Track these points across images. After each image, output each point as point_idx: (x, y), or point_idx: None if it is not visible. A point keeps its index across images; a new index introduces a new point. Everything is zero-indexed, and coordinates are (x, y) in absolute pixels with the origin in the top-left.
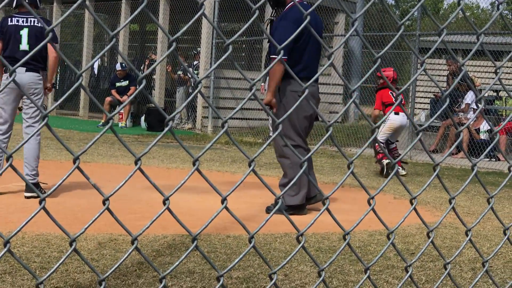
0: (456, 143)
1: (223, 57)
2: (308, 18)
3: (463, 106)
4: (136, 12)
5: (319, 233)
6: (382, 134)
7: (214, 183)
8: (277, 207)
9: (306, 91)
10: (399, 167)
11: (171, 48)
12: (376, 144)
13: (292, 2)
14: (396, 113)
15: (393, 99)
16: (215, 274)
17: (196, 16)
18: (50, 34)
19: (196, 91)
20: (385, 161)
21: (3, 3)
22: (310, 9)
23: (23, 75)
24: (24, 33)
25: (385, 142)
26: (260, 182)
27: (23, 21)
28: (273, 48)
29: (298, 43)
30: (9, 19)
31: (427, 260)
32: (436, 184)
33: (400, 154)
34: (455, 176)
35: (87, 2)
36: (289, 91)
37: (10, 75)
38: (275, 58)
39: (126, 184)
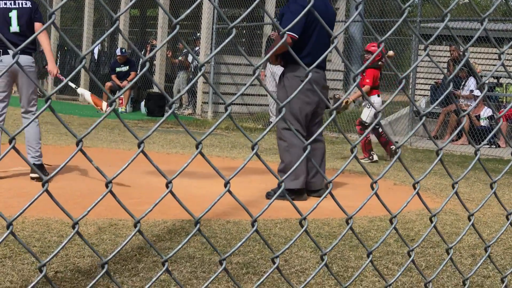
0: (458, 129)
1: (227, 40)
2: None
3: (464, 92)
4: (130, 4)
5: (319, 219)
6: (370, 118)
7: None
8: (279, 191)
9: (310, 75)
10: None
11: (175, 31)
12: (380, 130)
13: None
14: (378, 96)
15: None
16: (215, 259)
17: (199, 0)
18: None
19: (200, 74)
20: (375, 157)
21: None
22: None
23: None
24: (14, 15)
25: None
26: (260, 167)
27: (11, 3)
28: (284, 24)
29: (306, 29)
30: None
31: (427, 246)
32: (436, 170)
33: (388, 137)
34: (455, 163)
35: None
36: (292, 76)
37: (13, 57)
38: (288, 33)
39: (125, 169)
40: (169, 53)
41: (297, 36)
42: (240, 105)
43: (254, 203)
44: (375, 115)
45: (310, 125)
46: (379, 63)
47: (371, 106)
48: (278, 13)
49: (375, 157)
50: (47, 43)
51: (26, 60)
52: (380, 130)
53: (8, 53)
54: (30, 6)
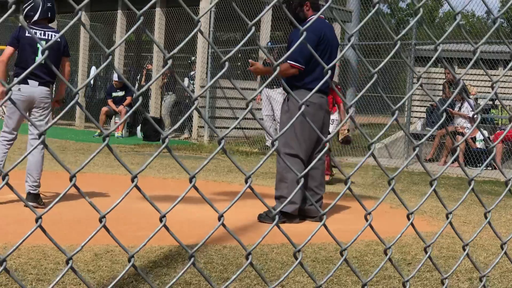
0: (453, 158)
1: (220, 74)
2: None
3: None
4: (133, 29)
5: (316, 243)
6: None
7: (210, 193)
8: (276, 221)
9: (303, 107)
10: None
11: (167, 66)
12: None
13: (312, 17)
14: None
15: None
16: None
17: (192, 33)
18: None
19: (192, 108)
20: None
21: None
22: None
23: (35, 89)
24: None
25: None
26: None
27: (40, 34)
28: (292, 54)
29: (313, 57)
30: (26, 30)
31: (424, 270)
32: (433, 194)
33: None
34: (451, 185)
35: (83, 18)
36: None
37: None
38: (291, 63)
39: (120, 194)
40: (149, 66)
41: (303, 67)
42: (236, 129)
43: (249, 228)
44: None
45: (313, 153)
46: None
47: (333, 123)
48: (288, 37)
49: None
50: (68, 76)
51: (43, 91)
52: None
53: (27, 83)
54: (59, 39)
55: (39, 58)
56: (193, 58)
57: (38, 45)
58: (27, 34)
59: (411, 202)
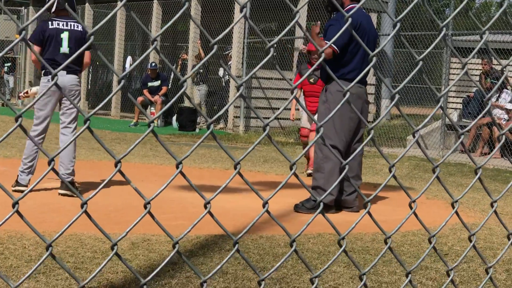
0: (498, 147)
1: (266, 59)
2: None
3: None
4: (179, 13)
5: (352, 233)
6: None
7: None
8: (318, 211)
9: (348, 94)
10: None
11: (213, 51)
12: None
13: (349, 6)
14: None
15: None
16: (248, 275)
17: (238, 19)
18: (92, 38)
19: (237, 95)
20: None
21: (45, 7)
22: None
23: (64, 78)
24: (65, 36)
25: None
26: (289, 181)
27: (63, 25)
28: (329, 36)
29: (351, 46)
30: (49, 22)
31: (460, 261)
32: (469, 184)
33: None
34: (487, 176)
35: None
36: (335, 91)
37: (52, 78)
38: (328, 43)
39: (158, 184)
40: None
41: (338, 51)
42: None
43: (285, 218)
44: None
45: (351, 143)
46: (314, 56)
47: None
48: (324, 25)
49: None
50: (86, 67)
51: (72, 79)
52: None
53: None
54: (82, 29)
55: (64, 49)
56: (228, 52)
57: (62, 36)
58: (50, 26)
59: (447, 194)
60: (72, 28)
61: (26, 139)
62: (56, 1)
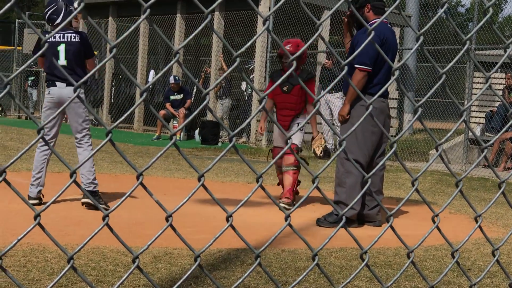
0: None
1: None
2: (387, 34)
3: None
4: (202, 26)
5: (374, 247)
6: (300, 143)
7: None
8: (340, 225)
9: (371, 107)
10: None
11: (235, 64)
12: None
13: (374, 20)
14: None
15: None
16: None
17: (261, 32)
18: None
19: (260, 107)
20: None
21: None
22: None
23: (63, 90)
24: (62, 48)
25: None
26: (310, 196)
27: (60, 37)
28: (357, 58)
29: (378, 60)
30: (46, 35)
31: (483, 276)
32: (492, 199)
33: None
34: (509, 191)
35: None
36: (359, 105)
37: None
38: (359, 67)
39: (179, 197)
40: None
41: (371, 69)
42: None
43: (308, 232)
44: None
45: (374, 157)
46: (286, 61)
47: (303, 129)
48: (352, 40)
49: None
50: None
51: (71, 91)
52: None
53: (56, 85)
54: (79, 40)
55: (61, 61)
56: (251, 66)
57: (58, 48)
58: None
59: (470, 208)
60: (69, 40)
61: (36, 150)
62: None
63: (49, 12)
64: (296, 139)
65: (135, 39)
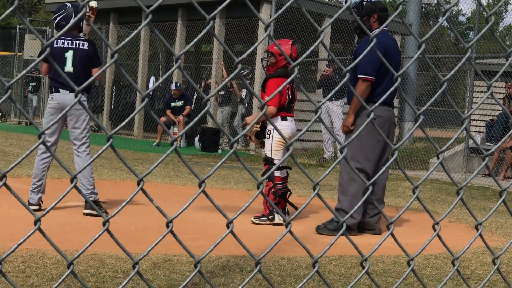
0: None
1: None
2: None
3: None
4: (203, 32)
5: (374, 256)
6: (275, 153)
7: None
8: (341, 231)
9: (372, 114)
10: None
11: (237, 70)
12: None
13: (377, 29)
14: (284, 118)
15: (288, 98)
16: None
17: (262, 38)
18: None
19: (261, 113)
20: (277, 218)
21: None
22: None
23: (66, 96)
24: (69, 55)
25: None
26: (311, 203)
27: (68, 43)
28: (360, 68)
29: (381, 70)
30: (55, 41)
31: (483, 285)
32: (491, 207)
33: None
34: (509, 200)
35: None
36: (364, 114)
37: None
38: (363, 77)
39: (179, 204)
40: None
41: (374, 79)
42: (294, 141)
43: (307, 239)
44: (288, 148)
45: (379, 165)
46: (271, 60)
47: (271, 135)
48: (354, 51)
49: (277, 219)
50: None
51: (74, 97)
52: (279, 176)
53: (59, 91)
54: (87, 48)
55: (68, 68)
56: (246, 71)
57: (66, 55)
58: (55, 45)
59: (470, 217)
60: (77, 46)
61: (36, 156)
62: (64, 20)
63: (58, 19)
64: (268, 150)
65: (136, 45)
